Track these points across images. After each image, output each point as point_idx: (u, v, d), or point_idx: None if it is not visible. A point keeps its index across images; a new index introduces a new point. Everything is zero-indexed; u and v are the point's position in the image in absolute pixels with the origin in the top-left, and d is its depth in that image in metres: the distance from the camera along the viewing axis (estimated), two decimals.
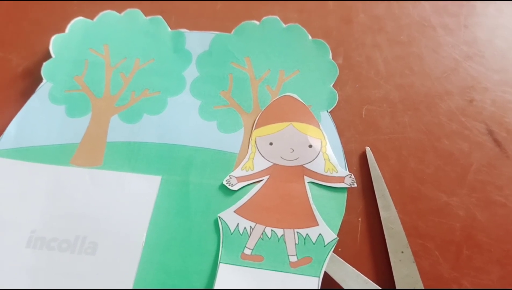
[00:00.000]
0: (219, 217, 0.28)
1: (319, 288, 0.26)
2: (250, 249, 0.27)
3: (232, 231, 0.27)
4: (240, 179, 0.29)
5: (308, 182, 0.29)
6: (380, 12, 0.37)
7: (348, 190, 0.29)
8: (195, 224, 0.28)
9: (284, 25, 0.35)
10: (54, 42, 0.34)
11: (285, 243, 0.27)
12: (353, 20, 0.37)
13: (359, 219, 0.29)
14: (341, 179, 0.29)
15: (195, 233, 0.28)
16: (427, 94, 0.33)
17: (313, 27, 0.35)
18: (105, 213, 0.28)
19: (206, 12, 0.37)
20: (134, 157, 0.30)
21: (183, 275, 0.27)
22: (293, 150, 0.30)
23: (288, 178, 0.29)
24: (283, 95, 0.32)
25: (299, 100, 0.32)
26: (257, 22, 0.35)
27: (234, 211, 0.28)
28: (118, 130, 0.31)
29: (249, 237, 0.27)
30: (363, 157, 0.31)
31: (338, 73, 0.33)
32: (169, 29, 0.35)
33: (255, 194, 0.29)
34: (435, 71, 0.34)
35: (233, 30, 0.35)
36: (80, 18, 0.36)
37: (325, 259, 0.26)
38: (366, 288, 0.26)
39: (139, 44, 0.35)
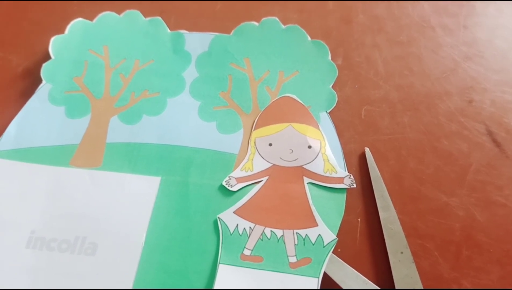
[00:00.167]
0: (219, 217, 0.28)
1: (319, 288, 0.26)
2: (249, 249, 0.27)
3: (231, 232, 0.28)
4: (239, 179, 0.29)
5: (307, 183, 0.29)
6: (379, 13, 0.37)
7: (348, 190, 0.29)
8: (194, 225, 0.28)
9: (283, 26, 0.35)
10: (54, 43, 0.34)
11: (284, 243, 0.27)
12: (352, 20, 0.37)
13: (359, 219, 0.29)
14: (341, 179, 0.29)
15: (195, 234, 0.28)
16: (427, 95, 0.33)
17: (312, 28, 0.35)
18: (105, 214, 0.28)
19: (206, 13, 0.37)
20: (133, 158, 0.30)
21: (183, 275, 0.27)
22: (293, 151, 0.30)
23: (287, 178, 0.29)
24: (282, 96, 0.32)
25: (298, 101, 0.32)
26: (256, 23, 0.35)
27: (234, 212, 0.28)
28: (118, 131, 0.31)
29: (248, 237, 0.27)
30: (363, 158, 0.31)
31: (337, 74, 0.33)
32: (169, 30, 0.35)
33: (254, 194, 0.29)
34: (435, 71, 0.34)
35: (233, 31, 0.35)
36: (80, 19, 0.36)
37: (324, 260, 0.26)
38: (365, 289, 0.26)
39: (138, 45, 0.35)
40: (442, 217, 0.29)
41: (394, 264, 0.27)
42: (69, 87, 0.33)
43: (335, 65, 0.33)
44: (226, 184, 0.29)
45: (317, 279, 0.26)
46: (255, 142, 0.31)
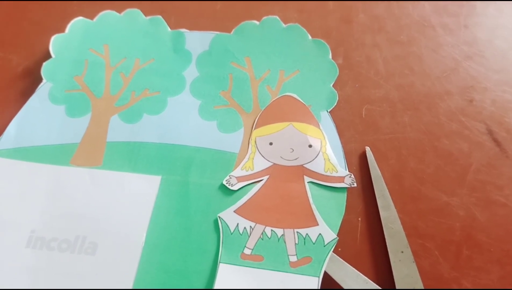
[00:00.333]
0: (219, 217, 0.28)
1: (319, 288, 0.26)
2: (250, 249, 0.27)
3: (232, 231, 0.27)
4: (240, 179, 0.29)
5: (308, 182, 0.29)
6: (380, 12, 0.37)
7: (348, 190, 0.29)
8: (195, 224, 0.28)
9: (284, 25, 0.35)
10: (54, 42, 0.34)
11: (285, 243, 0.27)
12: (353, 20, 0.37)
13: (359, 219, 0.29)
14: (341, 179, 0.29)
15: (195, 233, 0.28)
16: (427, 94, 0.33)
17: (313, 27, 0.35)
18: (105, 213, 0.28)
19: (206, 12, 0.37)
20: (134, 157, 0.30)
21: (183, 275, 0.27)
22: (293, 150, 0.30)
23: (288, 178, 0.29)
24: (283, 95, 0.32)
25: (299, 100, 0.32)
26: (257, 22, 0.35)
27: (234, 211, 0.28)
28: (118, 130, 0.31)
29: (249, 237, 0.27)
30: (363, 157, 0.31)
31: (338, 73, 0.33)
32: (169, 29, 0.35)
33: (255, 194, 0.29)
34: (435, 71, 0.34)
35: (233, 30, 0.35)
36: (80, 18, 0.36)
37: (325, 259, 0.26)
38: (366, 288, 0.26)
39: (139, 44, 0.35)
40: (443, 216, 0.29)
41: (395, 264, 0.27)
42: (69, 86, 0.33)
43: (335, 64, 0.33)
44: (226, 183, 0.29)
45: (317, 278, 0.26)
46: (255, 141, 0.31)
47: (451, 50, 0.35)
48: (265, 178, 0.29)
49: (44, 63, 0.34)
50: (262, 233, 0.27)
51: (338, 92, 0.33)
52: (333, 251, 0.27)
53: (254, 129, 0.31)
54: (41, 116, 0.32)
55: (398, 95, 0.33)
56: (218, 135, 0.31)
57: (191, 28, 0.36)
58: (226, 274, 0.26)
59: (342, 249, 0.27)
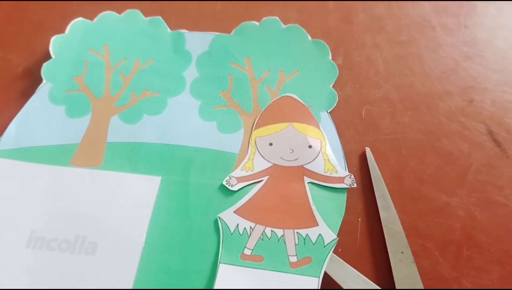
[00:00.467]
0: (219, 217, 0.28)
1: (319, 288, 0.26)
2: (250, 249, 0.27)
3: (232, 232, 0.27)
4: (240, 179, 0.29)
5: (308, 183, 0.29)
6: (380, 12, 0.37)
7: (348, 190, 0.29)
8: (195, 224, 0.28)
9: (283, 25, 0.35)
10: (54, 43, 0.34)
11: (285, 243, 0.27)
12: (353, 20, 0.37)
13: (359, 219, 0.29)
14: (341, 179, 0.29)
15: (195, 233, 0.28)
16: (427, 94, 0.33)
17: (313, 27, 0.35)
18: (105, 213, 0.28)
19: (206, 12, 0.37)
20: (134, 158, 0.30)
21: (183, 275, 0.27)
22: (293, 151, 0.30)
23: (288, 178, 0.29)
24: (283, 95, 0.32)
25: (299, 101, 0.32)
26: (257, 23, 0.35)
27: (234, 212, 0.28)
28: (118, 131, 0.31)
29: (249, 237, 0.27)
30: (363, 157, 0.31)
31: (337, 74, 0.33)
32: (169, 29, 0.35)
33: (255, 194, 0.29)
34: (435, 71, 0.34)
35: (233, 31, 0.35)
36: (80, 18, 0.36)
37: (325, 259, 0.26)
38: (366, 288, 0.26)
39: (139, 45, 0.35)
40: (443, 217, 0.29)
41: (395, 264, 0.27)
42: (69, 87, 0.33)
43: (335, 65, 0.33)
44: (226, 183, 0.29)
45: (317, 278, 0.26)
46: (255, 142, 0.31)
47: (451, 51, 0.35)
48: (265, 178, 0.29)
49: (44, 64, 0.34)
50: (262, 233, 0.27)
51: (338, 93, 0.33)
52: (333, 252, 0.27)
53: (254, 129, 0.31)
54: (41, 116, 0.32)
55: (398, 95, 0.33)
56: (218, 136, 0.31)
57: (191, 28, 0.36)
58: (226, 275, 0.26)
59: (342, 249, 0.27)
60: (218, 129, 0.31)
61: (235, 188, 0.29)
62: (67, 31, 0.35)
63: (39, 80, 0.33)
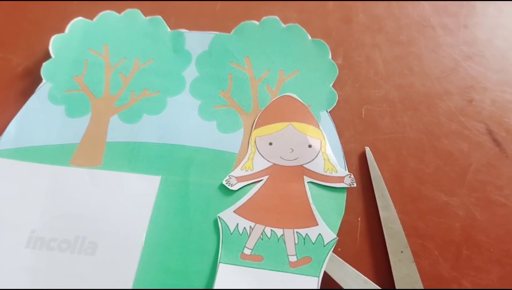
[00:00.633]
0: (219, 217, 0.28)
1: (319, 288, 0.26)
2: (249, 249, 0.27)
3: (231, 231, 0.27)
4: (239, 179, 0.29)
5: (307, 182, 0.29)
6: (379, 12, 0.37)
7: (348, 190, 0.29)
8: (194, 224, 0.28)
9: (283, 25, 0.35)
10: (54, 42, 0.34)
11: (284, 243, 0.27)
12: (353, 20, 0.37)
13: (359, 219, 0.29)
14: (341, 179, 0.29)
15: (195, 233, 0.28)
16: (427, 94, 0.33)
17: (313, 27, 0.35)
18: (105, 213, 0.28)
19: (206, 12, 0.37)
20: (133, 157, 0.30)
21: (183, 275, 0.27)
22: (293, 150, 0.30)
23: (287, 178, 0.29)
24: (282, 95, 0.32)
25: (298, 100, 0.32)
26: (256, 22, 0.35)
27: (234, 211, 0.28)
28: (118, 130, 0.31)
29: (248, 237, 0.27)
30: (363, 157, 0.31)
31: (337, 73, 0.33)
32: (169, 29, 0.35)
33: (254, 194, 0.29)
34: (435, 71, 0.34)
35: (233, 30, 0.35)
36: (80, 18, 0.36)
37: (324, 259, 0.26)
38: (365, 288, 0.26)
39: (138, 44, 0.35)
40: (442, 216, 0.29)
41: (394, 264, 0.27)
42: (69, 86, 0.33)
43: (335, 64, 0.33)
44: (226, 183, 0.29)
45: (317, 278, 0.26)
46: (255, 141, 0.31)
47: (451, 50, 0.35)
48: (265, 178, 0.29)
49: (44, 63, 0.34)
50: (262, 233, 0.27)
51: (338, 92, 0.33)
52: (332, 251, 0.27)
53: (254, 129, 0.31)
54: (41, 116, 0.32)
55: (397, 95, 0.33)
56: (218, 135, 0.31)
57: (190, 28, 0.36)
58: (226, 274, 0.26)
59: (341, 249, 0.27)
60: (218, 129, 0.31)
61: (234, 188, 0.29)
62: (67, 30, 0.35)
63: (39, 80, 0.33)
